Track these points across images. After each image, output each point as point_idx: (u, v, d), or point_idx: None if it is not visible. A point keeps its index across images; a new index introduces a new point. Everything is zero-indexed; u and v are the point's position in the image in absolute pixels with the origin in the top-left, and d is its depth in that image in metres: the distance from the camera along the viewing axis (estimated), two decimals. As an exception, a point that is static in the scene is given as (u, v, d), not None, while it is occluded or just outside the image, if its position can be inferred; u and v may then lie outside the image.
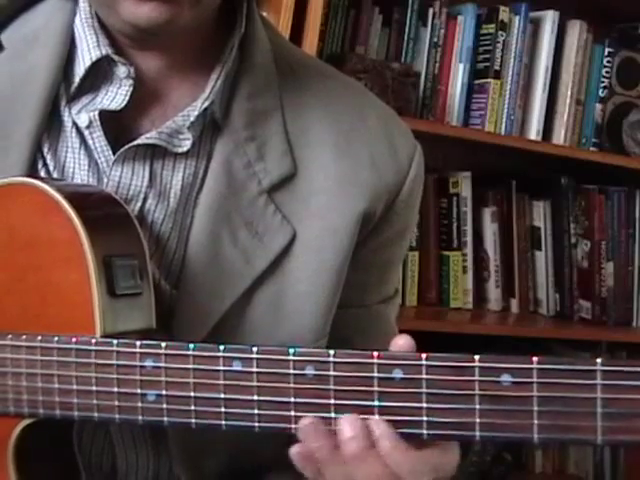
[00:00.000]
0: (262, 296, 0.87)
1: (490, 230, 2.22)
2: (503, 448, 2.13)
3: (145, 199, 0.86)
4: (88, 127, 0.85)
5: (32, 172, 0.86)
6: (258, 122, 0.88)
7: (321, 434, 0.68)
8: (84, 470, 0.83)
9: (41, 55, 0.87)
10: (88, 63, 0.85)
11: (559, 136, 2.16)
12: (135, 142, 0.85)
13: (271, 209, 0.87)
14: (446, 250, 2.16)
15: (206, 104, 0.86)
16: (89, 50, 0.86)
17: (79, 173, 0.87)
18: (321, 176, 0.89)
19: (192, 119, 0.85)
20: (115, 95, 0.86)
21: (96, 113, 0.85)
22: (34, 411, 0.78)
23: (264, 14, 1.73)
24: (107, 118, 0.85)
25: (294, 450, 0.69)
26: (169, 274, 0.86)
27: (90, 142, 0.86)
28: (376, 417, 0.67)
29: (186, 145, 0.86)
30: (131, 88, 0.85)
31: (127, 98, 0.85)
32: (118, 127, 0.86)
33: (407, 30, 2.00)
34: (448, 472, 0.70)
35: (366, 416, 0.67)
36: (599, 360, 0.59)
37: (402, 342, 0.68)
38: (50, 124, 0.87)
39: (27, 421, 0.79)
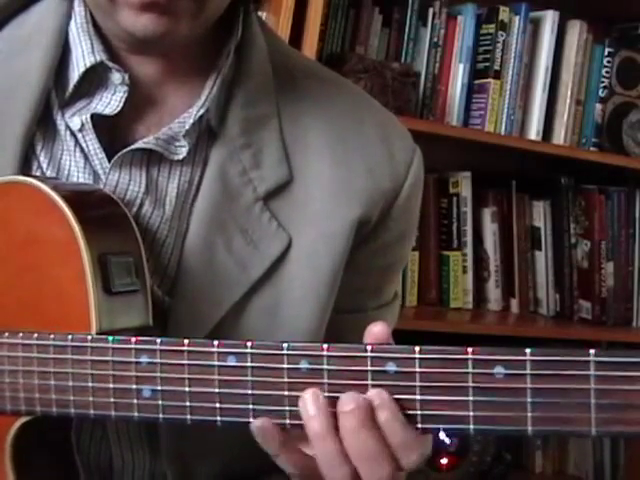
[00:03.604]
0: (258, 303, 0.86)
1: (490, 230, 2.22)
2: (503, 448, 2.12)
3: (141, 205, 0.86)
4: (80, 130, 0.85)
5: (25, 172, 0.85)
6: (254, 129, 0.88)
7: (322, 404, 0.67)
8: (82, 468, 0.82)
9: (33, 57, 0.86)
10: (82, 69, 0.85)
11: (559, 136, 2.16)
12: (132, 146, 0.84)
13: (266, 216, 0.86)
14: (446, 250, 2.16)
15: (201, 112, 0.85)
16: (83, 56, 0.85)
17: (76, 174, 0.86)
18: (317, 183, 0.88)
19: (187, 127, 0.85)
20: (109, 101, 0.85)
21: (88, 116, 0.84)
22: (31, 409, 0.77)
23: (264, 15, 1.73)
24: (101, 122, 0.85)
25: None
26: (163, 281, 0.86)
27: (84, 145, 0.85)
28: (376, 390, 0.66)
29: (182, 153, 0.86)
30: (125, 94, 0.85)
31: (121, 104, 0.85)
32: (113, 132, 0.86)
33: (407, 30, 2.00)
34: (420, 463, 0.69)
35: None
36: (592, 351, 0.59)
37: (377, 329, 0.67)
38: (44, 126, 0.86)
39: (24, 419, 0.78)
